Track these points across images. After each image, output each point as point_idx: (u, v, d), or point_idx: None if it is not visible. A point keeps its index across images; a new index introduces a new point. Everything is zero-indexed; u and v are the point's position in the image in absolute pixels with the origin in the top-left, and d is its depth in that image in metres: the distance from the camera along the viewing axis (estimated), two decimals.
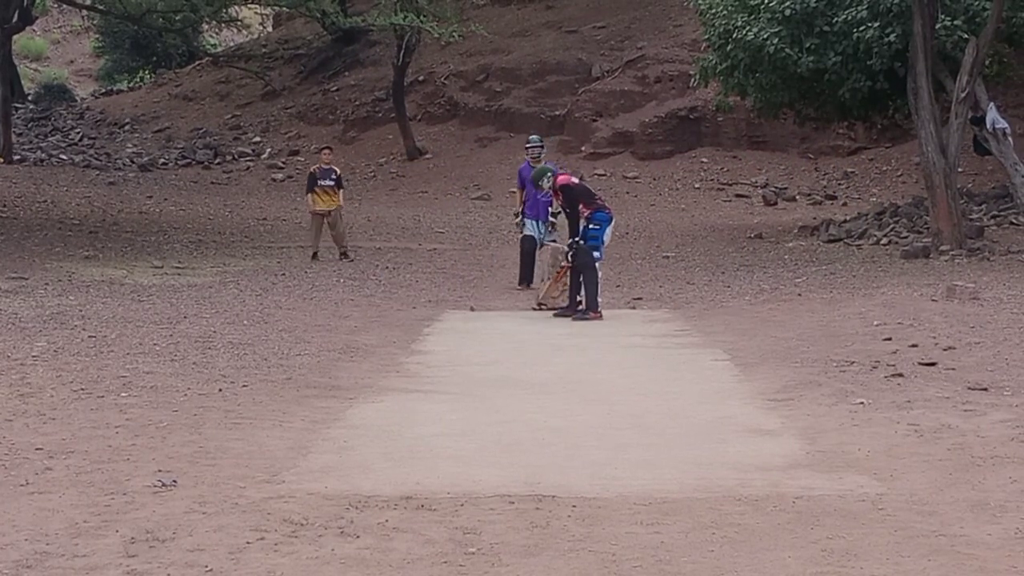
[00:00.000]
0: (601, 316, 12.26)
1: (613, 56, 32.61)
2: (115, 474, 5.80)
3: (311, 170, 18.61)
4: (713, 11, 19.96)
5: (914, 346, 9.39)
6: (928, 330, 10.10)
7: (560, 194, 12.89)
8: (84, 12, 37.32)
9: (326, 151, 19.31)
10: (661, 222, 23.97)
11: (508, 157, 30.05)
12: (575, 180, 13.02)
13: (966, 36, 17.56)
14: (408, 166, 31.54)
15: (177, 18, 29.47)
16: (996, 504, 5.35)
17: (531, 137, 15.67)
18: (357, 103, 34.91)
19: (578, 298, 12.57)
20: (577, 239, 12.53)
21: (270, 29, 44.38)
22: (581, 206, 12.65)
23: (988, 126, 18.10)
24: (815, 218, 22.53)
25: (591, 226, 12.63)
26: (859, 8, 18.45)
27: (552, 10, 36.84)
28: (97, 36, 46.91)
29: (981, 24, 17.72)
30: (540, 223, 14.71)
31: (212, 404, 7.46)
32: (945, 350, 9.18)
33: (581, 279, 12.50)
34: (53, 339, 9.79)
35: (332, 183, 17.99)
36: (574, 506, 5.34)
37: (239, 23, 34.91)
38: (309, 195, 18.18)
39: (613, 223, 13.02)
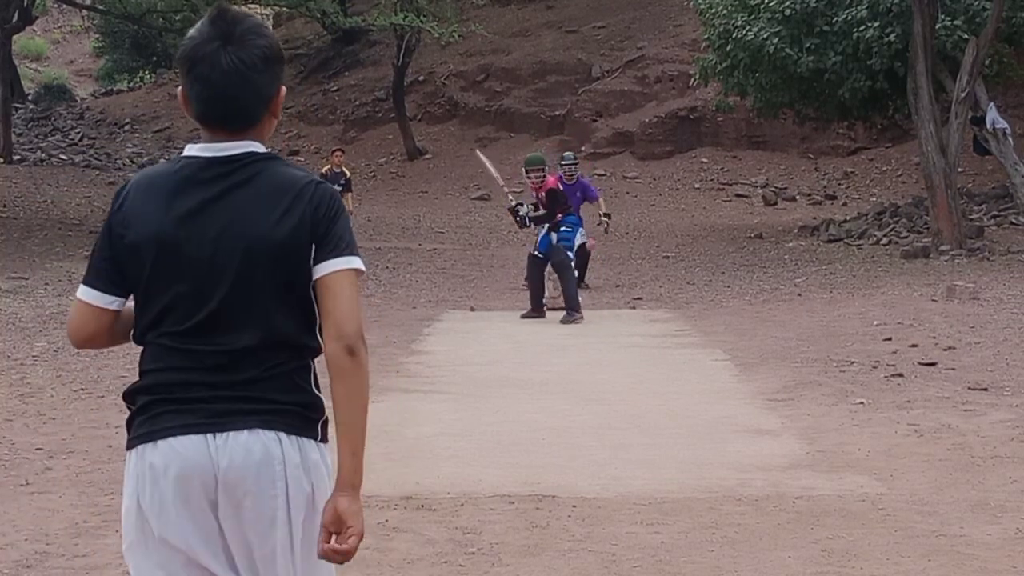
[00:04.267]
0: (582, 316, 12.23)
1: (613, 56, 32.61)
2: (115, 474, 5.79)
3: (322, 172, 18.46)
4: (713, 11, 19.96)
5: (914, 346, 9.39)
6: (928, 330, 10.10)
7: (545, 194, 12.74)
8: (84, 12, 37.31)
9: (338, 153, 18.99)
10: (661, 222, 23.97)
11: (508, 157, 30.04)
12: (561, 186, 12.98)
13: (966, 36, 17.56)
14: (408, 166, 31.54)
15: (177, 18, 29.45)
16: (996, 504, 5.35)
17: (565, 154, 16.09)
18: (357, 103, 34.91)
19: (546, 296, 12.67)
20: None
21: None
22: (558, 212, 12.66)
23: (988, 126, 18.09)
24: (815, 218, 22.52)
25: (563, 228, 12.70)
26: (859, 8, 18.45)
27: (552, 10, 36.82)
28: (97, 36, 46.87)
29: (981, 24, 17.72)
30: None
31: None
32: (945, 350, 9.18)
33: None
34: (53, 339, 9.79)
35: (340, 188, 17.95)
36: (574, 506, 5.34)
37: None
38: None
39: (582, 225, 13.51)
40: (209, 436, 2.42)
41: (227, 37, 2.49)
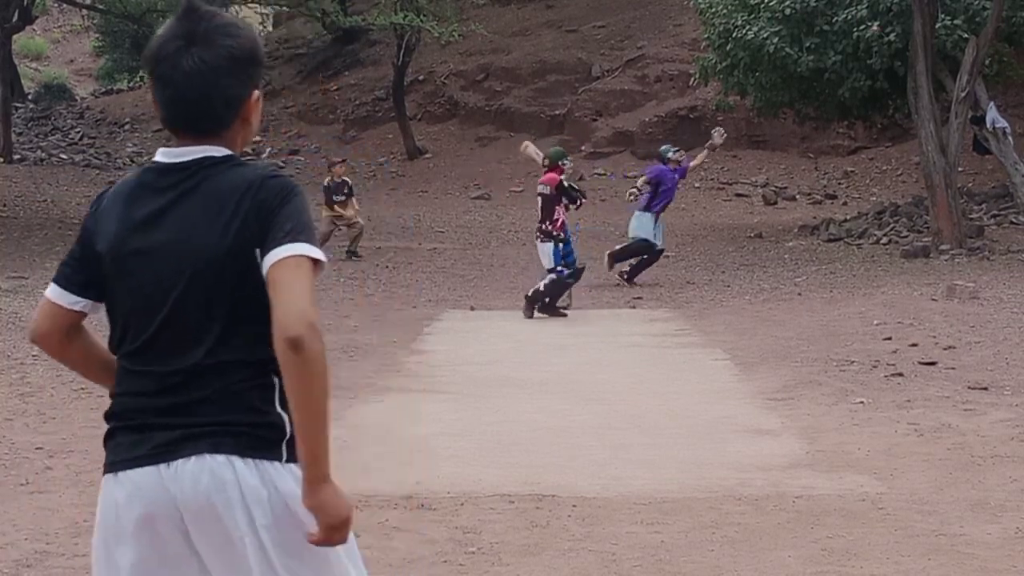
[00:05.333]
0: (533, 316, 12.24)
1: (613, 56, 32.60)
2: None
3: (325, 183, 18.29)
4: (713, 10, 19.96)
5: (914, 345, 9.39)
6: (928, 329, 10.10)
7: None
8: (84, 12, 37.30)
9: (337, 166, 18.75)
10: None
11: (508, 157, 30.04)
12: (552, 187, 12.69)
13: (966, 36, 17.55)
14: (408, 166, 31.53)
15: None
16: (996, 504, 5.35)
17: (663, 148, 16.32)
18: (357, 103, 34.90)
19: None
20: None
21: (270, 29, 44.36)
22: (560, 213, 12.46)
23: (988, 126, 18.09)
24: (815, 217, 22.51)
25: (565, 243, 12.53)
26: (859, 7, 18.45)
27: (552, 10, 36.81)
28: (97, 36, 46.84)
29: (981, 24, 17.71)
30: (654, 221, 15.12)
31: None
32: (945, 349, 9.18)
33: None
34: None
35: (344, 198, 17.93)
36: (574, 506, 5.34)
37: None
38: (325, 208, 17.90)
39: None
40: (162, 466, 2.30)
41: (191, 36, 2.34)
